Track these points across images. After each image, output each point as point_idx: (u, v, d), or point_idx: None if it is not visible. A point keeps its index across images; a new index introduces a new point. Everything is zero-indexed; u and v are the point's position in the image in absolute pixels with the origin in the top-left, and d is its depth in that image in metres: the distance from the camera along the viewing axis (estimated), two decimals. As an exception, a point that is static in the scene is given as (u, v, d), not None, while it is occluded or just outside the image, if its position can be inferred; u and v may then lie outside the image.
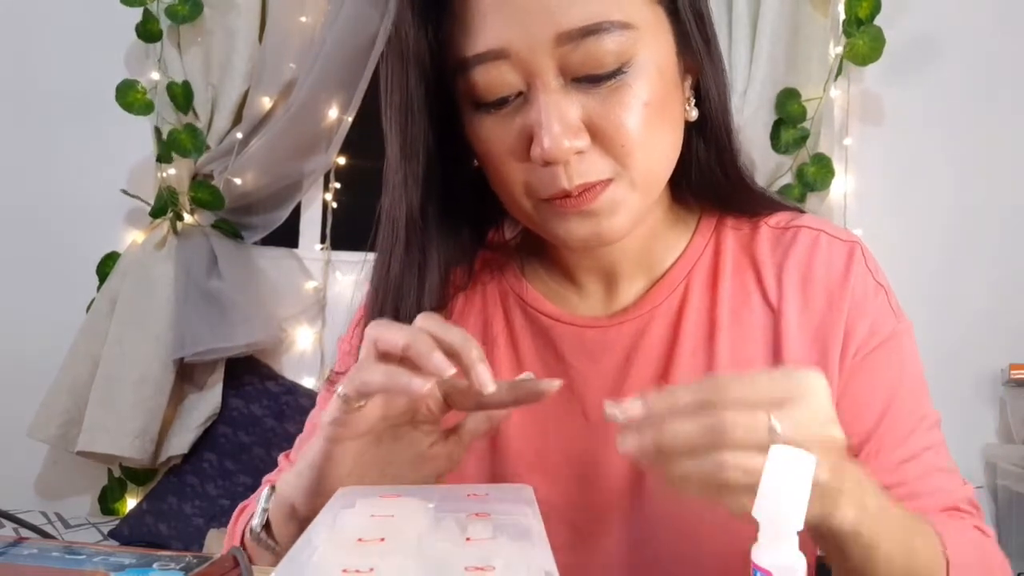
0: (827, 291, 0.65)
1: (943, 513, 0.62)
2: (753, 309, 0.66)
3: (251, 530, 0.60)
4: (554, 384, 0.53)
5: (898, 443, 0.63)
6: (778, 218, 0.70)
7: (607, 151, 0.57)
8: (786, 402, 0.43)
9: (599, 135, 0.57)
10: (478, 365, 0.49)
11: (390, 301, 0.64)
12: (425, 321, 0.51)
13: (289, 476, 0.58)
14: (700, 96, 0.64)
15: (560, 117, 0.55)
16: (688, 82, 0.63)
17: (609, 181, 0.57)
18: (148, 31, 2.09)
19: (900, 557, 0.51)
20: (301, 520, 0.56)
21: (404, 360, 0.49)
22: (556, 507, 0.65)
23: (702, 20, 0.62)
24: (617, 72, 0.56)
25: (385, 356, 0.50)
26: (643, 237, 0.67)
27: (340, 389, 0.51)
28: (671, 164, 0.62)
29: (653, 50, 0.58)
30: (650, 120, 0.57)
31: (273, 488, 0.61)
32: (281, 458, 0.75)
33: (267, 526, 0.59)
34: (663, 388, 0.46)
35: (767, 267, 0.67)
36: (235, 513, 0.71)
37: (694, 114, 0.63)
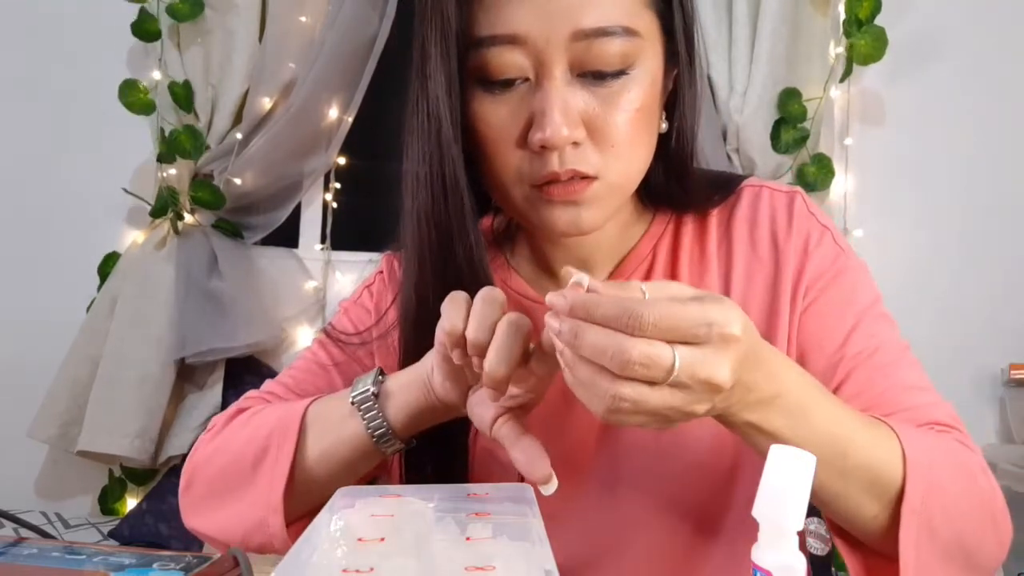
0: (772, 238, 0.71)
1: (921, 428, 0.61)
2: (710, 268, 0.72)
3: (365, 392, 0.64)
4: None
5: (861, 365, 0.65)
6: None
7: (597, 146, 0.61)
8: (696, 339, 0.44)
9: (594, 130, 0.61)
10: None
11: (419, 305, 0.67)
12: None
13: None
14: (671, 113, 0.68)
15: (563, 107, 0.59)
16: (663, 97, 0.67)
17: (593, 179, 0.61)
18: (145, 30, 2.09)
19: (827, 448, 0.52)
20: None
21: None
22: None
23: (691, 42, 0.66)
24: (620, 73, 0.60)
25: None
26: (613, 232, 0.72)
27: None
28: (644, 169, 0.66)
29: (650, 60, 0.62)
30: (638, 125, 0.62)
31: (381, 371, 0.66)
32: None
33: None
34: (605, 283, 0.48)
35: (718, 227, 0.73)
36: (225, 416, 0.76)
37: (663, 126, 0.67)
